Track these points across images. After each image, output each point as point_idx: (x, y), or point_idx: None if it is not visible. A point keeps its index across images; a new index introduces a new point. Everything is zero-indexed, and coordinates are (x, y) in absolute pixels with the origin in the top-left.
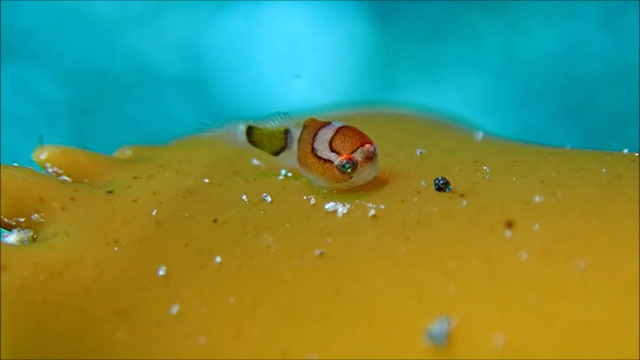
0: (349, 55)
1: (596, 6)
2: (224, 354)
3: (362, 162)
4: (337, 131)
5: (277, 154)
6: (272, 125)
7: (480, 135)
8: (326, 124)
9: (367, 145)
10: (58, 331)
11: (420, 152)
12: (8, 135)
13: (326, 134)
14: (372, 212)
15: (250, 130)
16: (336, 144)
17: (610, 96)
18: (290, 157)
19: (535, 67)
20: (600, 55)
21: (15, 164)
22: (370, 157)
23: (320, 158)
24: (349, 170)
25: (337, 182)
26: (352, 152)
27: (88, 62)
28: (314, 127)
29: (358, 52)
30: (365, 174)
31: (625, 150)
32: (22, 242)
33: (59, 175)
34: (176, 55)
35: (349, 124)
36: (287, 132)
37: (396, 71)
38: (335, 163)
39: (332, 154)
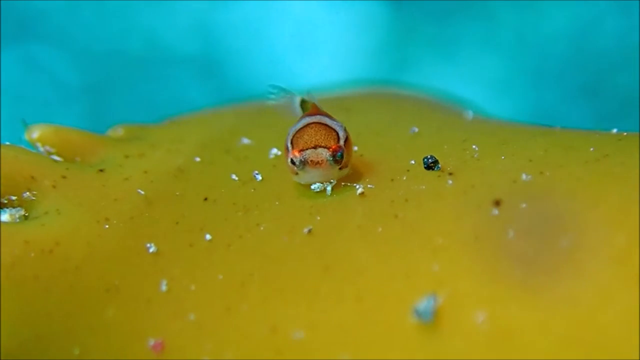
0: (363, 34)
1: None
2: (213, 331)
3: (307, 164)
4: (307, 125)
5: None
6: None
7: (470, 114)
8: (311, 113)
9: (320, 149)
10: (49, 309)
11: (413, 131)
12: (22, 116)
13: (299, 124)
14: (361, 190)
15: (303, 104)
16: (296, 137)
17: (624, 76)
18: None
19: (549, 46)
20: (614, 35)
21: (7, 143)
22: (317, 162)
23: (285, 145)
24: (293, 166)
25: (289, 172)
26: (301, 151)
27: (102, 42)
28: (306, 113)
29: (372, 31)
30: (309, 176)
31: (614, 130)
32: (13, 220)
33: (51, 154)
34: (190, 35)
35: (325, 122)
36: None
37: (410, 50)
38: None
39: (290, 145)
